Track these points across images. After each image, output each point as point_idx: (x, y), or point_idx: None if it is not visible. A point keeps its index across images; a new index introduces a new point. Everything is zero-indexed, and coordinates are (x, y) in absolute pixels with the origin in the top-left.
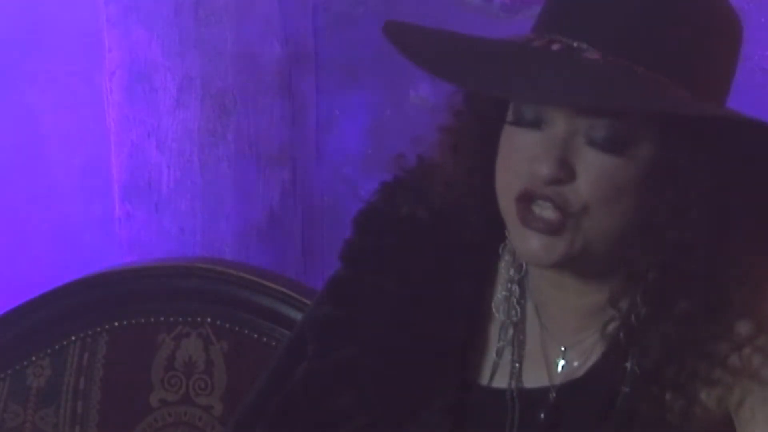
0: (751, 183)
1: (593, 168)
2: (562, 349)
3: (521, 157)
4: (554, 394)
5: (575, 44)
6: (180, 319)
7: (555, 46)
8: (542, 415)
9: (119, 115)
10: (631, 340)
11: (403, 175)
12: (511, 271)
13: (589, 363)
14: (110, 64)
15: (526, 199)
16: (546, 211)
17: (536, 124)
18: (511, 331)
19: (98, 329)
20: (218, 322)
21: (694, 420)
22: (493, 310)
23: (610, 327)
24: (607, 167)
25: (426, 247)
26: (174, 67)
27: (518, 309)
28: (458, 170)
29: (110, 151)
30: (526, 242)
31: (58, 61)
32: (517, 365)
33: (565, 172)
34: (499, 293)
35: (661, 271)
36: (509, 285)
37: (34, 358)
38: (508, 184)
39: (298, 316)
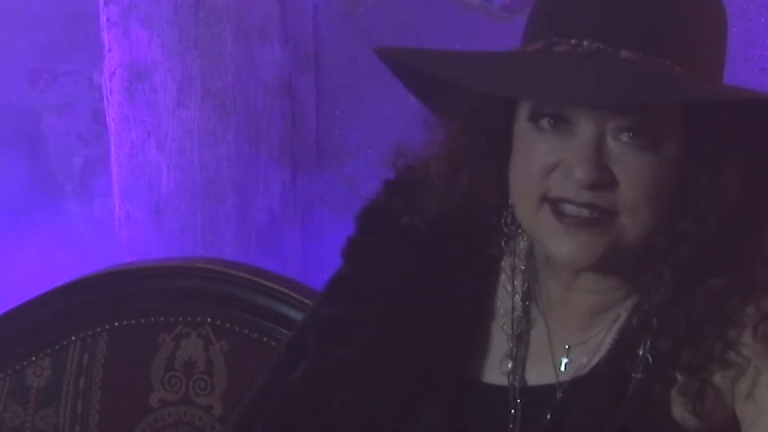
0: None
1: (632, 169)
2: (567, 347)
3: (547, 164)
4: (561, 393)
5: (592, 44)
6: (180, 319)
7: (580, 48)
8: (548, 415)
9: (119, 115)
10: (646, 326)
11: (403, 176)
12: (517, 274)
13: (595, 361)
14: (110, 64)
15: (557, 206)
16: (583, 211)
17: (557, 128)
18: (513, 330)
19: (98, 329)
20: (218, 322)
21: (707, 404)
22: (496, 308)
23: (622, 318)
24: (645, 166)
25: (427, 246)
26: (174, 67)
27: (521, 307)
28: (454, 185)
29: (110, 151)
30: (561, 245)
31: (58, 61)
32: (520, 364)
33: (605, 175)
34: (502, 292)
35: (696, 250)
36: (513, 284)
37: (34, 358)
38: (532, 193)
39: (298, 316)
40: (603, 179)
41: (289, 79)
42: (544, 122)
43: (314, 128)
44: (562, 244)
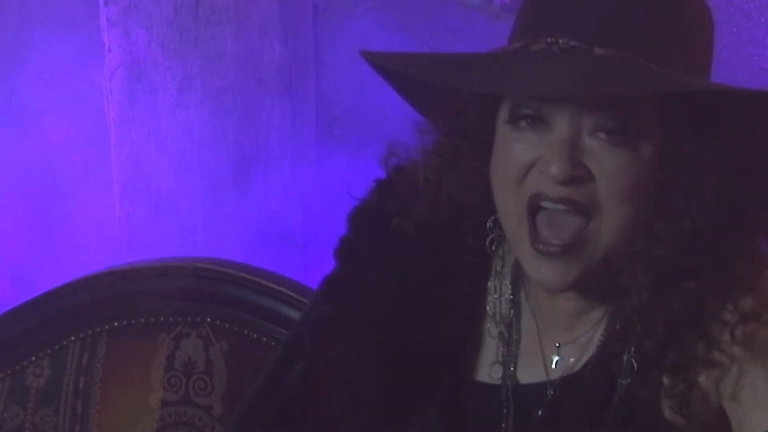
0: (755, 157)
1: (608, 165)
2: (557, 345)
3: (525, 162)
4: (552, 391)
5: (567, 42)
6: (180, 319)
7: (555, 46)
8: (540, 412)
9: (119, 115)
10: (630, 330)
11: (395, 176)
12: (504, 276)
13: (585, 358)
14: (110, 64)
15: (536, 205)
16: (560, 207)
17: (535, 128)
18: (505, 329)
19: (98, 329)
20: (218, 322)
21: (693, 405)
22: (488, 309)
23: (606, 320)
24: (622, 163)
25: (419, 246)
26: (174, 67)
27: (512, 308)
28: (440, 190)
29: (110, 151)
30: (538, 269)
31: (58, 61)
32: (512, 362)
33: (580, 170)
34: (491, 292)
35: (673, 252)
36: (500, 286)
37: (34, 358)
38: (512, 196)
39: (297, 316)
40: (578, 175)
41: (289, 78)
42: (523, 123)
43: (314, 128)
44: (540, 270)
